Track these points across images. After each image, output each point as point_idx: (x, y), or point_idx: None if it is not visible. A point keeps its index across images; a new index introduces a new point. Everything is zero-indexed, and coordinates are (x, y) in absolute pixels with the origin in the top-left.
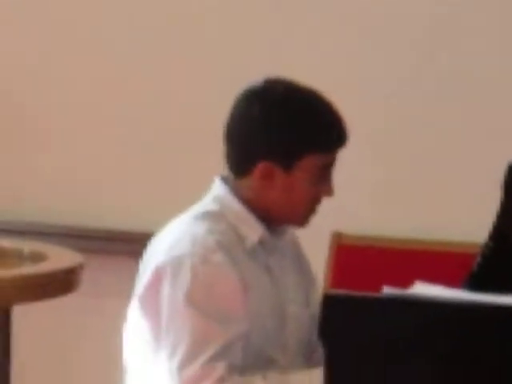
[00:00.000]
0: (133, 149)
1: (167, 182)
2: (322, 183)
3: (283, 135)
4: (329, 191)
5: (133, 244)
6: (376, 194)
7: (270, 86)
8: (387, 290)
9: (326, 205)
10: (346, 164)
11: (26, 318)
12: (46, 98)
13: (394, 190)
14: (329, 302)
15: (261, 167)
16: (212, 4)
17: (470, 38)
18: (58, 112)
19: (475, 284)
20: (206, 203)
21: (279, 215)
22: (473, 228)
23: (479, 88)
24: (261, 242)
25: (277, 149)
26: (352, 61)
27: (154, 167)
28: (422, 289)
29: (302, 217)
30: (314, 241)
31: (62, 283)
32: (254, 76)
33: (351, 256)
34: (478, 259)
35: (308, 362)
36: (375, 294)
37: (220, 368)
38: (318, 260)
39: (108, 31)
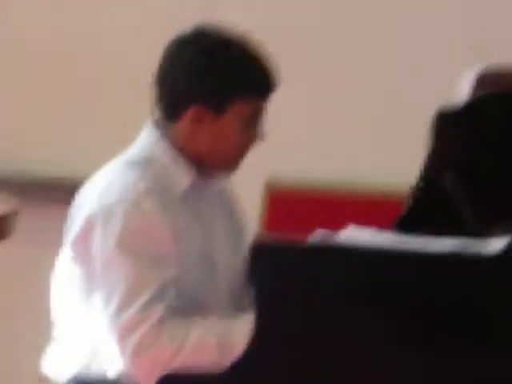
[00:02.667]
0: (67, 97)
1: (99, 128)
2: (252, 128)
3: (214, 80)
4: (260, 136)
5: (64, 191)
6: (311, 138)
7: (201, 33)
8: (319, 234)
9: (259, 150)
10: (281, 109)
11: None
12: None
13: (329, 135)
14: (257, 249)
15: (191, 111)
16: None
17: None
18: None
19: (405, 225)
20: (137, 149)
21: (209, 160)
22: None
23: (411, 33)
24: (192, 188)
25: (207, 93)
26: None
27: (86, 115)
28: (354, 232)
29: (232, 162)
30: (248, 187)
31: None
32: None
33: (285, 201)
34: (408, 201)
35: (240, 307)
36: (301, 243)
37: (158, 309)
38: (253, 206)
39: None
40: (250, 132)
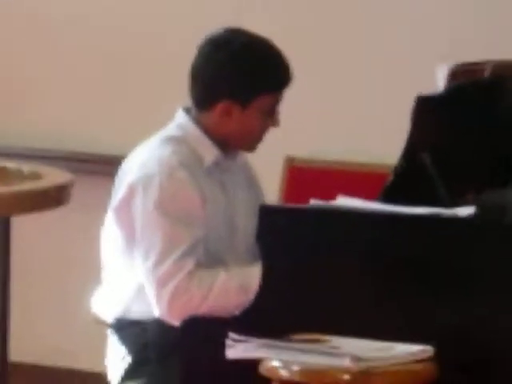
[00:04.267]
0: (110, 84)
1: (138, 112)
2: (271, 117)
3: (244, 78)
4: (276, 122)
5: (111, 166)
6: (320, 125)
7: (232, 35)
8: (313, 203)
9: (278, 132)
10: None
11: (23, 226)
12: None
13: (333, 123)
14: (264, 212)
15: (222, 105)
16: None
17: None
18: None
19: (388, 196)
20: (171, 129)
21: (233, 143)
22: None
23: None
24: (216, 163)
25: (238, 90)
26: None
27: (129, 102)
28: (344, 201)
29: (253, 144)
30: (269, 165)
31: (54, 198)
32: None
33: (301, 177)
34: (391, 175)
35: (254, 262)
36: (302, 206)
37: (189, 263)
38: (274, 181)
39: None
40: (269, 120)
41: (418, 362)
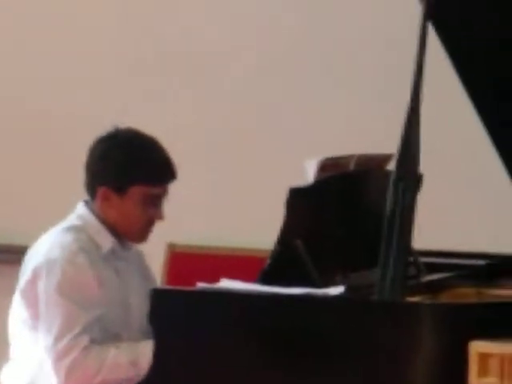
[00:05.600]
0: (18, 169)
1: (41, 202)
2: (152, 209)
3: (118, 167)
4: (159, 216)
5: (16, 254)
6: (207, 210)
7: (119, 131)
8: (200, 285)
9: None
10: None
11: None
12: None
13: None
14: (155, 294)
15: (100, 191)
16: None
17: None
18: None
19: (266, 279)
20: (72, 219)
21: (121, 231)
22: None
23: None
24: (112, 251)
25: (111, 177)
26: None
27: (34, 191)
28: (227, 283)
29: (139, 234)
30: (152, 250)
31: None
32: None
33: (183, 261)
34: (268, 260)
35: (147, 338)
36: (190, 288)
37: (85, 340)
38: (157, 266)
39: None
40: (150, 211)
41: None
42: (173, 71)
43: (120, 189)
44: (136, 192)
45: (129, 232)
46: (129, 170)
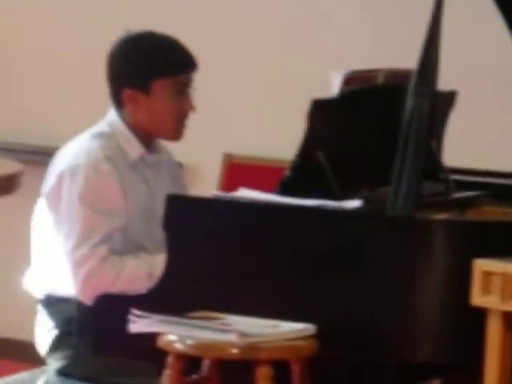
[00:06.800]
0: (54, 81)
1: (74, 104)
2: (180, 101)
3: (137, 65)
4: (189, 107)
5: (44, 156)
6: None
7: (125, 36)
8: (216, 194)
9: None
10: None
11: None
12: None
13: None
14: (169, 201)
15: (125, 94)
16: None
17: None
18: None
19: (284, 190)
20: (101, 126)
21: (154, 132)
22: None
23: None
24: (141, 160)
25: (130, 76)
26: None
27: (69, 98)
28: (244, 192)
29: (173, 131)
30: (208, 161)
31: (4, 186)
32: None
33: (239, 172)
34: (288, 171)
35: None
36: (205, 196)
37: (103, 249)
38: (213, 177)
39: None
40: (177, 104)
41: (300, 338)
42: None
43: (143, 86)
44: (159, 86)
45: (162, 130)
46: (146, 64)
